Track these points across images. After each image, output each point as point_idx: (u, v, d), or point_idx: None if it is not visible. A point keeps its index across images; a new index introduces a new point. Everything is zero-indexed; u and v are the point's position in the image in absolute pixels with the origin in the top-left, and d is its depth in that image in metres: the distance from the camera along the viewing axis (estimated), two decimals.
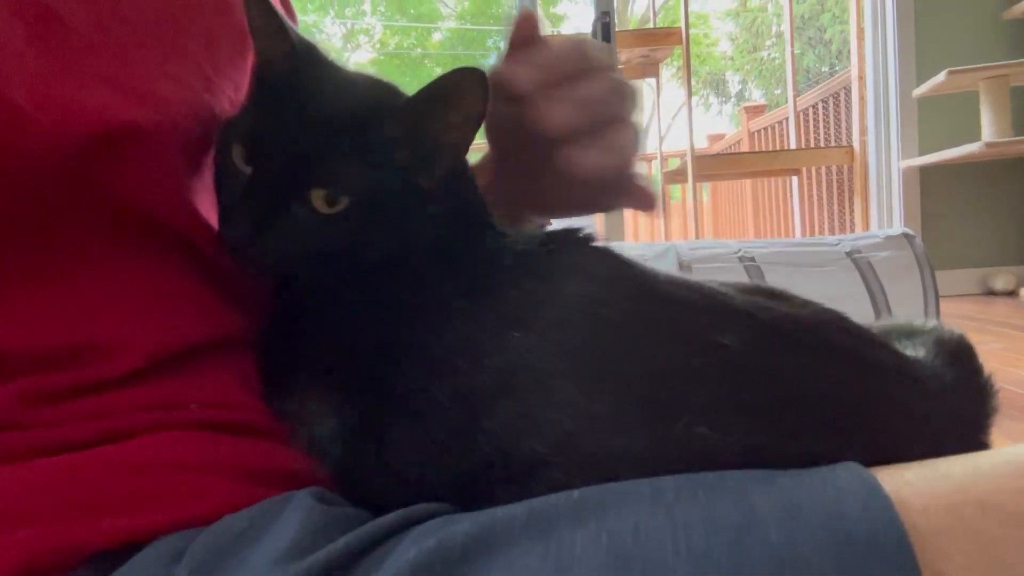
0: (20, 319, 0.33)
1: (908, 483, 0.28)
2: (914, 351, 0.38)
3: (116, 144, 0.34)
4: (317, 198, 0.36)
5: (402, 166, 0.37)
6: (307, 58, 0.39)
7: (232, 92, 0.41)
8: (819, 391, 0.32)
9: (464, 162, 0.41)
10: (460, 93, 0.36)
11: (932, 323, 0.42)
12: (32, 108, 0.31)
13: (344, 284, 0.37)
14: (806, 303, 0.37)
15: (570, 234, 0.38)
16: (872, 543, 0.25)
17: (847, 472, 0.28)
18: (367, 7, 12.22)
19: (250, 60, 0.41)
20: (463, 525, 0.27)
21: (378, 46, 12.12)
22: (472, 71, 0.35)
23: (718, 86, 12.20)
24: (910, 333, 0.41)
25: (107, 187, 0.35)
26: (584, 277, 0.35)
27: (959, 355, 0.39)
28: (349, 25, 12.05)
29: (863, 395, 0.33)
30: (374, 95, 0.39)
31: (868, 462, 0.29)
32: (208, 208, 0.39)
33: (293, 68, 0.38)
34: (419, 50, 12.17)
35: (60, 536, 0.29)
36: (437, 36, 12.36)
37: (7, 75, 0.31)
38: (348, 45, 11.78)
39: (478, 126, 0.38)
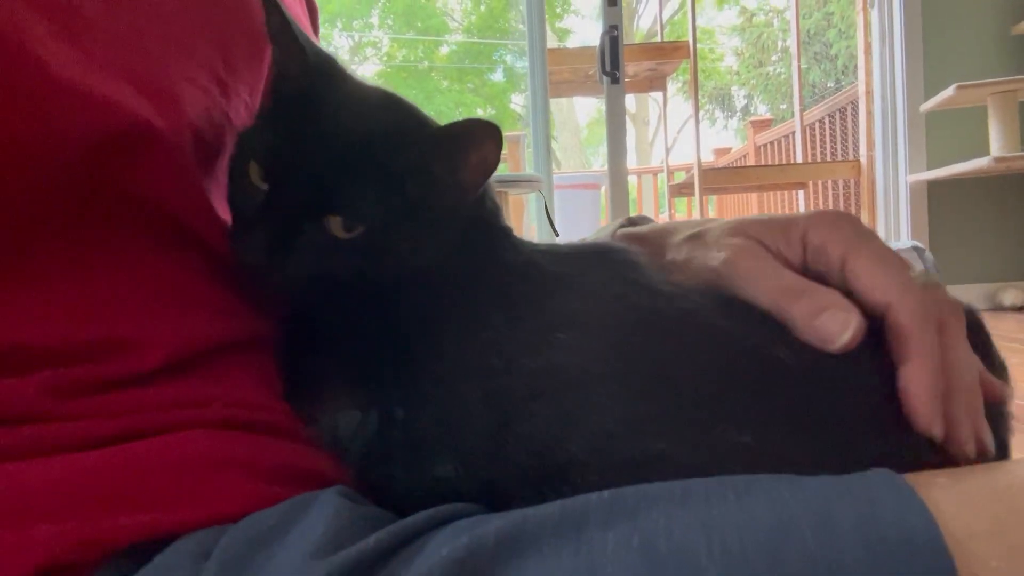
0: (42, 313, 0.33)
1: (941, 487, 0.27)
2: None
3: (131, 141, 0.34)
4: (334, 223, 0.36)
5: (418, 195, 0.37)
6: (324, 73, 0.39)
7: (247, 96, 0.41)
8: (867, 407, 0.32)
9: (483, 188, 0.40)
10: (476, 139, 0.36)
11: None
12: (50, 97, 0.32)
13: (364, 296, 0.37)
14: None
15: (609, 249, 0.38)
16: (908, 546, 0.24)
17: (879, 477, 0.28)
18: (375, 20, 12.31)
19: (266, 62, 0.40)
20: (495, 524, 0.27)
21: (385, 59, 12.19)
22: (490, 125, 0.36)
23: (723, 101, 12.24)
24: None
25: (124, 184, 0.35)
26: (630, 285, 0.34)
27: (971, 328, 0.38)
28: (356, 38, 12.13)
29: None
30: (393, 119, 0.39)
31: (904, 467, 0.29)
32: (224, 210, 0.38)
33: (310, 84, 0.38)
34: (426, 63, 12.24)
35: (84, 532, 0.29)
36: (444, 49, 12.43)
37: (27, 64, 0.31)
38: (355, 58, 11.85)
39: (491, 173, 0.38)
